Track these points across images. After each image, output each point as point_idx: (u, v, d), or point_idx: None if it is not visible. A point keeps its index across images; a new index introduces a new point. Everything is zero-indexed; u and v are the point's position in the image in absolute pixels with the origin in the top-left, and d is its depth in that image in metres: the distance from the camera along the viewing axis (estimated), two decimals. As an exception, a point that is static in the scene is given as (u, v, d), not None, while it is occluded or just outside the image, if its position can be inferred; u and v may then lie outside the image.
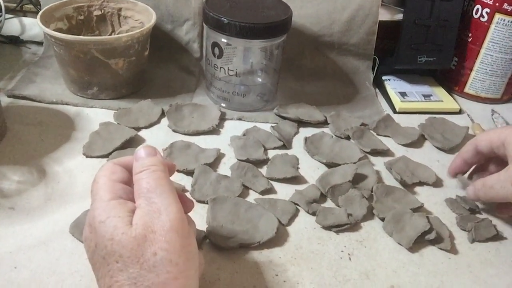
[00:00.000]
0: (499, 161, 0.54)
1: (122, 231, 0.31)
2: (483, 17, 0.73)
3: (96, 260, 0.32)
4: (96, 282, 0.41)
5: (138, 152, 0.36)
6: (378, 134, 0.67)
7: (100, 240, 0.32)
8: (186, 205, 0.38)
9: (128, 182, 0.37)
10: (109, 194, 0.34)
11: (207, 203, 0.51)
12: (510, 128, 0.51)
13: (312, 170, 0.59)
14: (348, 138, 0.65)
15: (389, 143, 0.65)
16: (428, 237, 0.49)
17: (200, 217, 0.49)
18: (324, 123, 0.68)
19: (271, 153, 0.61)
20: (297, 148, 0.63)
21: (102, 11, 0.73)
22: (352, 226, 0.50)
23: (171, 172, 0.38)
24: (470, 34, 0.76)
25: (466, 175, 0.58)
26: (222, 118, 0.67)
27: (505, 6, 0.70)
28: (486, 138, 0.53)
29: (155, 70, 0.75)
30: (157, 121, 0.65)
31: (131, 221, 0.32)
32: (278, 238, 0.48)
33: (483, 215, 0.54)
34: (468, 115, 0.74)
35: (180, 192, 0.38)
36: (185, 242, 0.32)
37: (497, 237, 0.51)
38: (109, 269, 0.31)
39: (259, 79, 0.72)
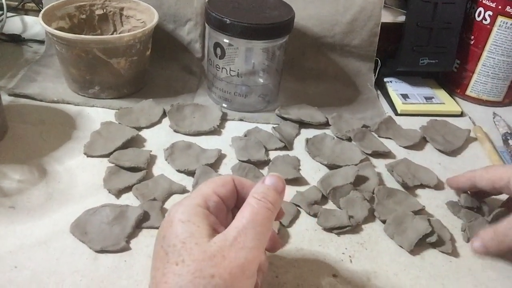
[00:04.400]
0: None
1: (196, 241, 0.32)
2: (486, 19, 0.73)
3: (158, 251, 0.33)
4: (95, 282, 0.42)
5: (269, 178, 0.36)
6: (379, 136, 0.67)
7: (171, 236, 0.32)
8: (273, 245, 0.39)
9: (229, 200, 0.37)
10: (201, 200, 0.35)
11: (208, 204, 0.51)
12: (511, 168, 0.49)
13: (313, 171, 0.59)
14: (349, 139, 0.65)
15: (390, 145, 0.65)
16: (430, 240, 0.49)
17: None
18: (325, 125, 0.68)
19: (272, 154, 0.60)
20: (299, 149, 0.63)
21: (104, 10, 0.73)
22: (353, 228, 0.50)
23: (278, 218, 0.38)
24: (473, 37, 0.75)
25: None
26: (224, 118, 0.66)
27: (508, 9, 0.69)
28: (487, 178, 0.50)
29: (156, 70, 0.75)
30: (158, 121, 0.65)
31: (208, 234, 0.32)
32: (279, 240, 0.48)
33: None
34: (470, 117, 0.74)
35: (274, 233, 0.39)
36: (244, 283, 0.32)
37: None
38: (165, 267, 0.31)
39: (261, 80, 0.72)
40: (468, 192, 0.55)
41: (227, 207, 0.37)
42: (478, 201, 0.54)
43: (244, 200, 0.35)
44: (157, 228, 0.48)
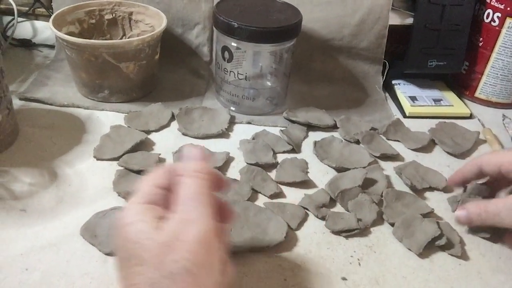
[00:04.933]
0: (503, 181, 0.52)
1: (147, 236, 0.31)
2: (494, 21, 0.72)
3: (119, 262, 0.33)
4: (105, 284, 0.42)
5: (187, 152, 0.36)
6: (388, 139, 0.66)
7: (124, 242, 0.32)
8: (226, 216, 0.39)
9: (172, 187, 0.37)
10: (142, 198, 0.34)
11: (217, 207, 0.51)
12: None
13: (321, 174, 0.59)
14: (357, 142, 0.64)
15: (399, 147, 0.65)
16: (439, 243, 0.49)
17: (209, 220, 0.49)
18: (333, 127, 0.68)
19: (280, 157, 0.61)
20: (307, 152, 0.63)
21: (114, 15, 0.74)
22: (361, 231, 0.50)
23: (219, 187, 0.37)
24: (481, 39, 0.75)
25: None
26: (232, 121, 0.67)
27: (517, 10, 0.69)
28: (495, 162, 0.50)
29: (165, 73, 0.75)
30: (167, 125, 0.65)
31: (157, 226, 0.32)
32: (287, 243, 0.48)
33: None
34: (479, 119, 0.74)
35: (223, 202, 0.38)
36: (209, 256, 0.32)
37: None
38: (130, 272, 0.31)
39: (269, 83, 0.72)
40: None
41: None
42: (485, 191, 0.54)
43: None
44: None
